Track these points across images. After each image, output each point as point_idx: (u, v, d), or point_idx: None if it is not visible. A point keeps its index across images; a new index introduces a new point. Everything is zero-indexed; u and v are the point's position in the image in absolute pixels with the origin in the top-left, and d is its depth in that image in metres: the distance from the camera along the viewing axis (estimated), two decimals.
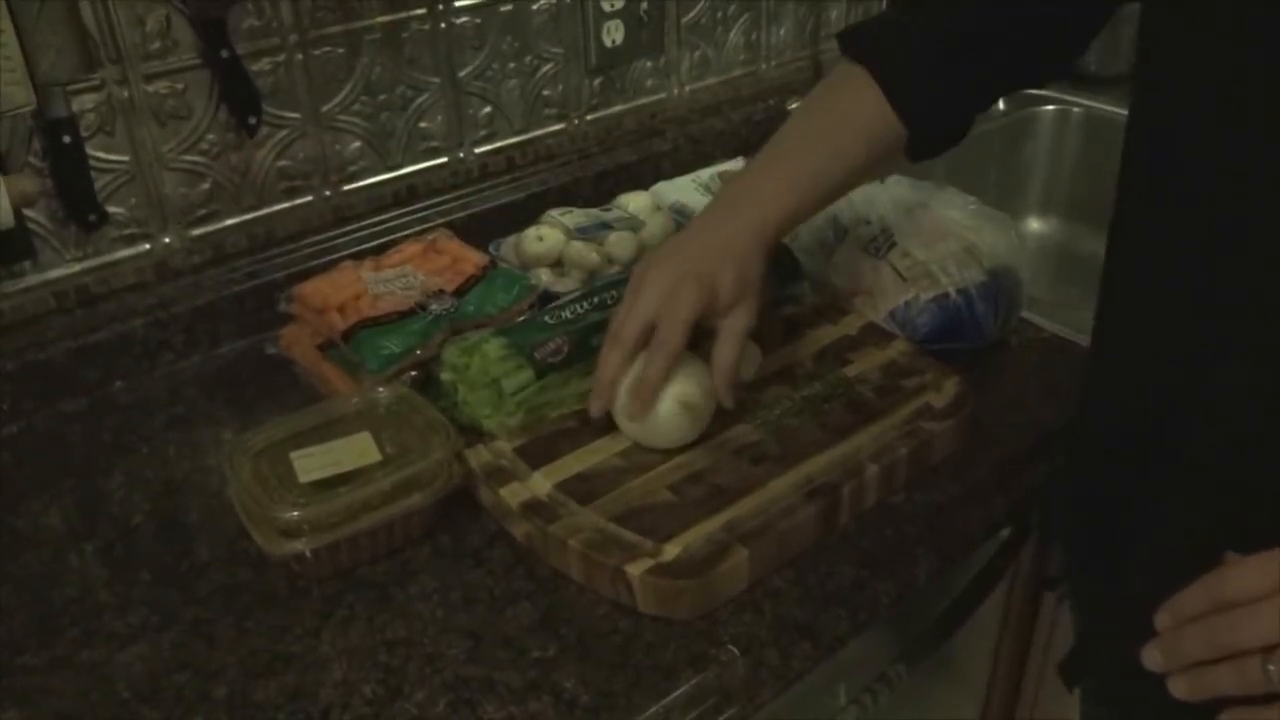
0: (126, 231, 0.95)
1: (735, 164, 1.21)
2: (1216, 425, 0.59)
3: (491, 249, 1.02)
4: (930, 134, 0.82)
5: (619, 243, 1.01)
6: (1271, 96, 0.54)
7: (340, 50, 1.01)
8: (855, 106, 0.80)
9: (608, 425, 0.79)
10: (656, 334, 0.75)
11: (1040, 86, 0.77)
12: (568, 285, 0.97)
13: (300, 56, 0.98)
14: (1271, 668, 0.51)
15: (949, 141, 0.84)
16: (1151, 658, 0.56)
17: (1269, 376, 0.56)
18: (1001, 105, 1.44)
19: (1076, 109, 1.45)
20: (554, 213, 1.05)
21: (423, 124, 1.09)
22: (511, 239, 1.04)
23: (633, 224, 1.04)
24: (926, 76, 0.79)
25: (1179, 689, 0.55)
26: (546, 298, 0.93)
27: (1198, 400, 0.60)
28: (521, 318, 0.88)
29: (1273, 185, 0.55)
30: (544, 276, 0.99)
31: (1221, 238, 0.58)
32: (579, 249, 0.99)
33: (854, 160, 0.81)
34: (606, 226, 1.03)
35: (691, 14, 1.26)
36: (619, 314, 0.77)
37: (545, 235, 1.00)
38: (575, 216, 1.04)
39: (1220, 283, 0.58)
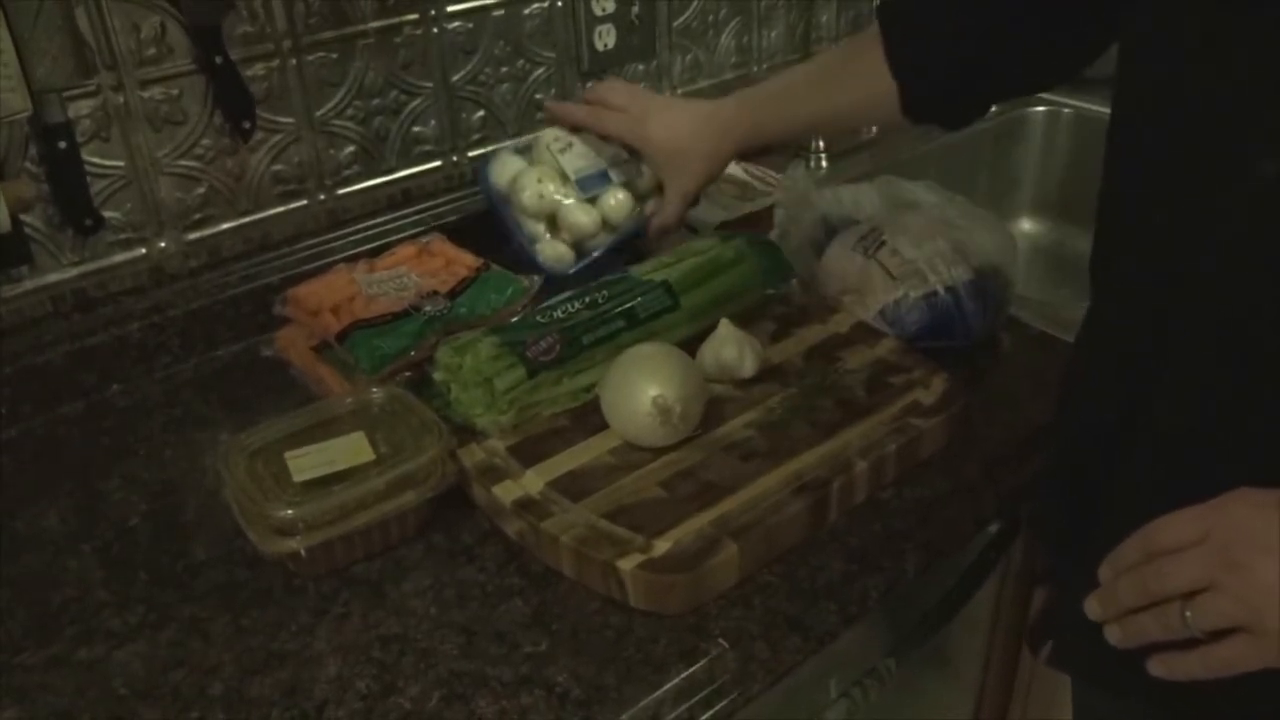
0: (123, 236, 0.95)
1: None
2: (1185, 413, 0.61)
3: (480, 169, 1.06)
4: (917, 90, 0.86)
5: (616, 208, 1.02)
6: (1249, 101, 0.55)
7: (334, 55, 1.02)
8: (852, 48, 0.90)
9: (599, 424, 0.80)
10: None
11: (1043, 90, 0.84)
12: (558, 249, 1.01)
13: (294, 62, 0.99)
14: (1189, 614, 0.53)
15: (945, 109, 0.87)
16: (1090, 607, 0.59)
17: (1236, 366, 0.58)
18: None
19: (1067, 110, 1.45)
20: (554, 142, 1.03)
21: (416, 128, 1.10)
22: (506, 167, 1.04)
23: (631, 171, 1.04)
24: (925, 35, 0.83)
25: (1113, 636, 0.57)
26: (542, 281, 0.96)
27: (1171, 390, 0.61)
28: (515, 318, 0.89)
29: (1236, 186, 0.56)
30: (537, 228, 1.02)
31: (1194, 231, 0.59)
32: (574, 211, 1.01)
33: (831, 89, 0.92)
34: (606, 178, 1.03)
35: (683, 18, 1.27)
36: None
37: (545, 194, 1.01)
38: (575, 156, 1.03)
39: (1192, 280, 0.60)
